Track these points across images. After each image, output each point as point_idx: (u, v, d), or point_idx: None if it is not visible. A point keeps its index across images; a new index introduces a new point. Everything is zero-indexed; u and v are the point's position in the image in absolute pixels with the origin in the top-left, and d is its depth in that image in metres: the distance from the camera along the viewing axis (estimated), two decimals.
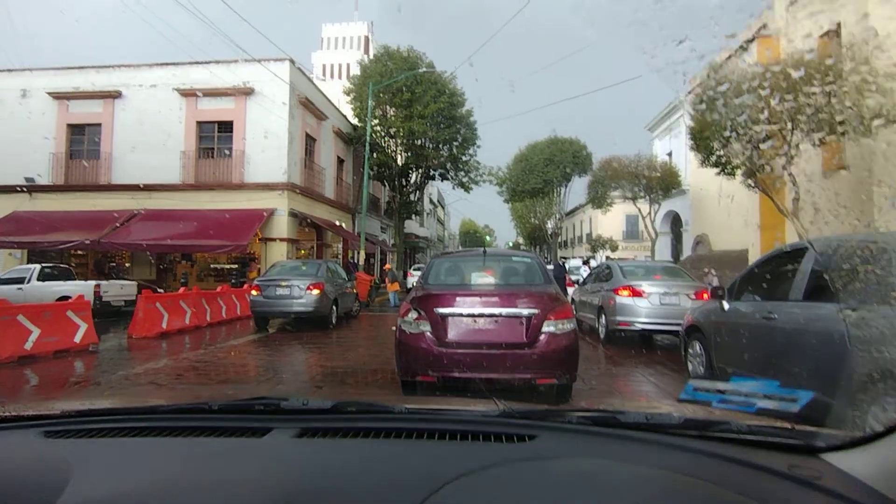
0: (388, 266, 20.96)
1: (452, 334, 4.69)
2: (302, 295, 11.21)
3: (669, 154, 29.97)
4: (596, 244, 38.31)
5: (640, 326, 8.90)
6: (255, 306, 11.45)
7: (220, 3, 13.08)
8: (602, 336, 9.69)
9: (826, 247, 4.31)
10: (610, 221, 37.55)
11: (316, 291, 11.24)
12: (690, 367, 6.18)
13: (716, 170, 15.53)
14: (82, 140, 19.53)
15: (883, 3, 12.48)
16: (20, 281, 13.47)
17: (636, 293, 8.93)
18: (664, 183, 25.27)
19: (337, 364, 7.58)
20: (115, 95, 19.07)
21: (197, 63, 19.06)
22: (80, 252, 19.18)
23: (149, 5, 19.06)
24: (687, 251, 27.56)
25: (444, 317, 4.71)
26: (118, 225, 17.33)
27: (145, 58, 75.20)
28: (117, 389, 5.84)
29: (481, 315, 4.71)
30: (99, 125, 19.21)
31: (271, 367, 7.62)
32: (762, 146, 13.79)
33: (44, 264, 13.38)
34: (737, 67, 14.11)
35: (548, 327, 4.63)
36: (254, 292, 11.48)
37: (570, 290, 14.14)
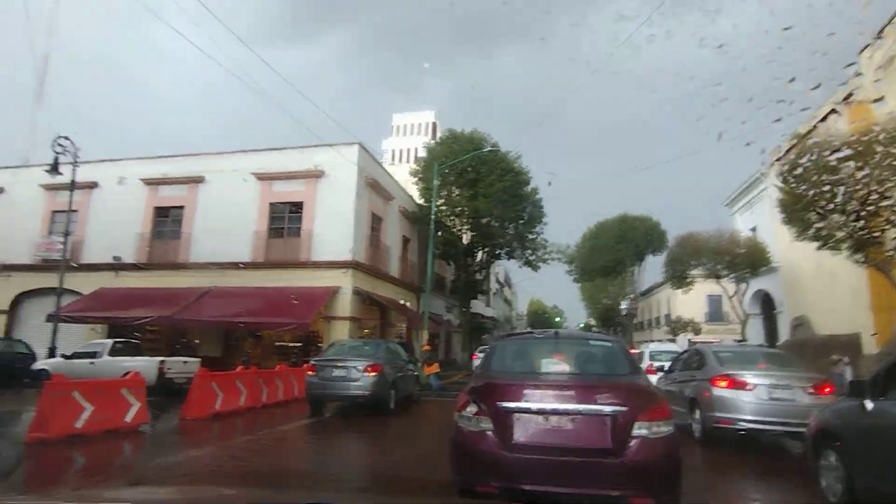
0: (427, 347, 19.20)
1: (519, 435, 3.81)
2: (359, 377, 10.54)
3: (753, 229, 27.94)
4: (676, 326, 35.62)
5: (745, 426, 7.43)
6: (311, 388, 10.88)
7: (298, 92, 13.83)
8: (698, 435, 8.23)
9: None
10: (690, 302, 34.95)
11: (374, 374, 10.54)
12: (824, 482, 4.88)
13: (815, 244, 13.88)
14: (166, 221, 20.85)
15: None
16: (93, 355, 13.89)
17: (738, 385, 7.56)
18: (750, 260, 23.33)
19: (389, 459, 6.73)
20: (198, 181, 20.44)
21: (273, 149, 20.24)
22: (155, 328, 19.82)
23: (237, 97, 20.70)
24: (783, 335, 24.79)
25: (510, 412, 3.86)
26: (190, 302, 17.81)
27: (226, 144, 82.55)
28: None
29: (555, 412, 3.82)
30: (182, 207, 20.52)
31: (317, 459, 6.87)
32: (869, 218, 12.27)
33: (115, 339, 13.70)
34: (825, 135, 12.96)
35: (639, 430, 3.68)
36: (309, 373, 10.96)
37: (653, 377, 12.64)
